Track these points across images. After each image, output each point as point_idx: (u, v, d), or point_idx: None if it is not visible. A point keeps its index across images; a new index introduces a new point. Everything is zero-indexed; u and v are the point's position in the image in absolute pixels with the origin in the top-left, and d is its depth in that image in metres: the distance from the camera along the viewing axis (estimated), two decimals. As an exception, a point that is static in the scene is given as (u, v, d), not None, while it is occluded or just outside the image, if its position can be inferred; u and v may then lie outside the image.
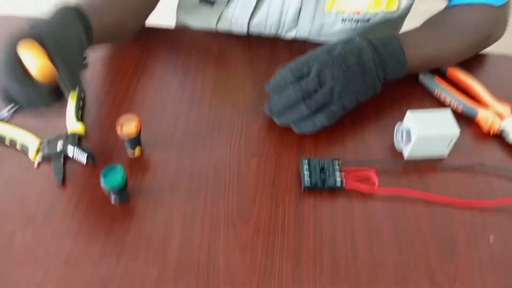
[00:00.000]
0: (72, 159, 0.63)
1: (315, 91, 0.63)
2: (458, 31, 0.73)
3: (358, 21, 0.78)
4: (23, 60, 0.51)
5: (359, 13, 0.77)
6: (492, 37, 0.76)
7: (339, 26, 0.79)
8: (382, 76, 0.66)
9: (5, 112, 0.68)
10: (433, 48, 0.71)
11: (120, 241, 0.56)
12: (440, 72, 0.74)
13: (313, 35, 0.82)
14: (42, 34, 0.53)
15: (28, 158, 0.63)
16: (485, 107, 0.68)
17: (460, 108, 0.69)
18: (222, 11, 0.83)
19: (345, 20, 0.78)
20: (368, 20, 0.78)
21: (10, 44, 0.52)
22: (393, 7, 0.77)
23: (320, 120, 0.64)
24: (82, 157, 0.62)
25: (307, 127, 0.65)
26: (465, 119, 0.68)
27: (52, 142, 0.64)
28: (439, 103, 0.71)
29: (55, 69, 0.52)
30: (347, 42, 0.65)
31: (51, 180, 0.61)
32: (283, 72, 0.64)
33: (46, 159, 0.63)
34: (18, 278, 0.53)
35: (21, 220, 0.58)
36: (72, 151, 0.63)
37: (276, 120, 0.67)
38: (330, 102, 0.63)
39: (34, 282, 0.53)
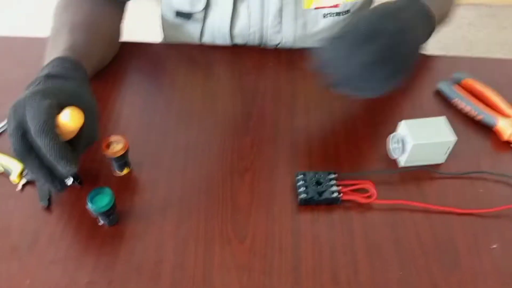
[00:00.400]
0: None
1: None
2: None
3: (339, 14, 0.78)
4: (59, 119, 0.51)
5: (337, 6, 0.76)
6: None
7: (322, 23, 0.78)
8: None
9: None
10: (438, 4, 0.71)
11: (110, 267, 0.54)
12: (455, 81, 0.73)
13: (298, 39, 0.81)
14: (68, 98, 0.54)
15: (9, 182, 0.60)
16: (504, 116, 0.67)
17: (480, 117, 0.68)
18: (203, 25, 0.82)
19: (326, 15, 0.77)
20: (348, 11, 0.78)
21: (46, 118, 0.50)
22: None
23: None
24: (68, 179, 0.60)
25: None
26: (480, 128, 0.68)
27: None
28: (432, 113, 0.71)
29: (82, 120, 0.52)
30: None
31: (35, 205, 0.59)
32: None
33: (29, 183, 0.61)
34: (3, 311, 0.50)
35: (4, 250, 0.55)
36: None
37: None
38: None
39: (20, 315, 0.50)
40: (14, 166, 0.61)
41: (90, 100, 0.58)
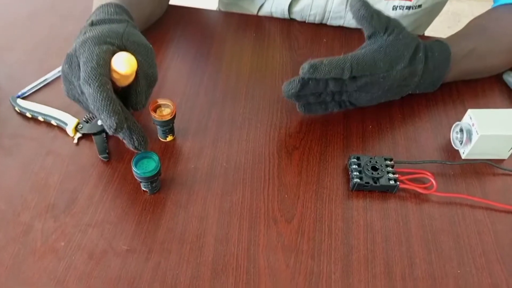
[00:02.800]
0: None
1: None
2: (507, 38, 0.66)
3: (410, 8, 0.73)
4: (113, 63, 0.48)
5: (411, 0, 0.71)
6: None
7: (390, 14, 0.73)
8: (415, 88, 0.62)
9: (26, 89, 0.63)
10: (479, 63, 0.65)
11: (150, 236, 0.51)
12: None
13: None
14: (121, 40, 0.52)
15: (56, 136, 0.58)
16: None
17: None
18: (264, 2, 0.78)
19: (397, 7, 0.72)
20: (420, 6, 0.73)
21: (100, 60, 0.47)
22: None
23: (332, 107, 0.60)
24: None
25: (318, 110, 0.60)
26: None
27: (90, 120, 0.59)
28: (496, 104, 0.66)
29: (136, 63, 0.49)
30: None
31: (76, 162, 0.56)
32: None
33: (83, 137, 0.59)
34: (36, 273, 0.48)
35: (40, 207, 0.52)
36: None
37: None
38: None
39: (54, 278, 0.47)
40: (69, 120, 0.59)
41: (143, 39, 0.54)
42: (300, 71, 0.54)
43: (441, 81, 0.63)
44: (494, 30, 0.66)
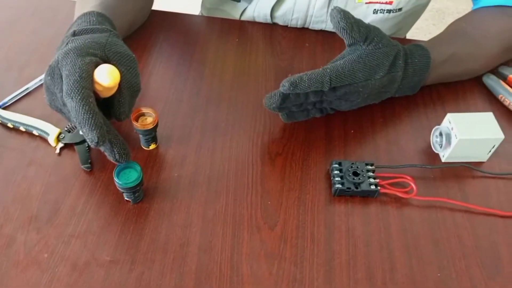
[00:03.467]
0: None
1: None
2: (487, 41, 0.66)
3: (390, 11, 0.73)
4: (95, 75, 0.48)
5: (391, 3, 0.72)
6: None
7: (370, 17, 0.74)
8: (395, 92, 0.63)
9: (7, 99, 0.62)
10: (459, 67, 0.66)
11: (133, 246, 0.51)
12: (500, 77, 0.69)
13: None
14: (103, 50, 0.52)
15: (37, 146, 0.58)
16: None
17: None
18: (246, 7, 0.79)
19: (377, 11, 0.73)
20: (400, 9, 0.74)
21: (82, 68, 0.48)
22: None
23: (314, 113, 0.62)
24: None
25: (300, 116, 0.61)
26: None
27: (72, 130, 0.59)
28: (476, 107, 0.67)
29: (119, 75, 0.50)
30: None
31: (57, 173, 0.56)
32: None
33: (65, 147, 0.59)
34: (19, 285, 0.48)
35: (23, 219, 0.52)
36: None
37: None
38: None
39: (37, 290, 0.47)
40: (51, 130, 0.58)
41: (126, 48, 0.54)
42: (281, 88, 0.55)
43: (420, 85, 0.64)
44: (474, 34, 0.66)
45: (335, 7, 0.56)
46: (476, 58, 0.66)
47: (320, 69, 0.56)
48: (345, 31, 0.56)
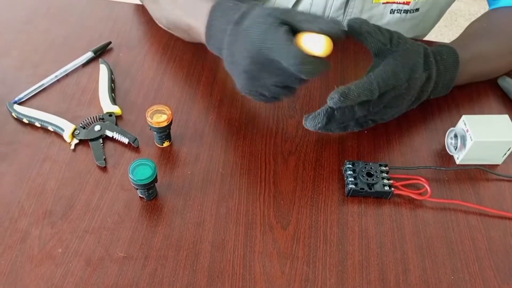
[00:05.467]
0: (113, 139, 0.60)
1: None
2: (510, 40, 0.67)
3: (407, 11, 0.73)
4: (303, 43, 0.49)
5: (409, 3, 0.71)
6: None
7: (387, 18, 0.74)
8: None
9: (23, 95, 0.63)
10: (487, 65, 0.66)
11: (147, 243, 0.51)
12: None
13: None
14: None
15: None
16: None
17: None
18: (264, 3, 0.79)
19: (394, 11, 0.73)
20: (417, 9, 0.73)
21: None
22: None
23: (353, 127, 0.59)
24: (123, 138, 0.59)
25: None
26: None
27: (87, 126, 0.60)
28: (491, 109, 0.66)
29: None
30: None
31: (73, 169, 0.56)
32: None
33: (80, 143, 0.59)
34: (33, 280, 0.48)
35: (37, 214, 0.53)
36: (112, 131, 0.59)
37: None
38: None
39: (51, 285, 0.48)
40: (66, 126, 0.59)
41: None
42: (329, 101, 0.51)
43: (453, 83, 0.63)
44: (497, 33, 0.67)
45: (351, 19, 0.54)
46: (502, 56, 0.66)
47: (364, 77, 0.53)
48: (370, 35, 0.54)
